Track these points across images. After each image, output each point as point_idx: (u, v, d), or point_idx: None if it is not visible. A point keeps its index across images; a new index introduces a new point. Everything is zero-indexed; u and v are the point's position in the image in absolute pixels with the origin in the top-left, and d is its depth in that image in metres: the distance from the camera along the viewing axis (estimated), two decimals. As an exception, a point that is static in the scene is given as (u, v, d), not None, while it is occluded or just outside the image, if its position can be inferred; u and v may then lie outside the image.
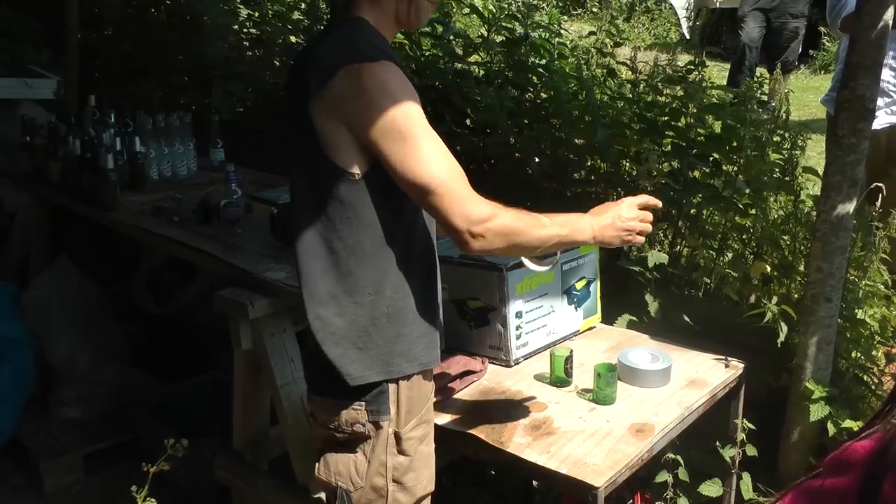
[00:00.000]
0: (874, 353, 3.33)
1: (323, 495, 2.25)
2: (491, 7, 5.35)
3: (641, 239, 2.14)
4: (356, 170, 1.89)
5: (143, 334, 4.53)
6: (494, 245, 1.87)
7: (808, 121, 6.70)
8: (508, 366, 2.86)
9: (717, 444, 2.92)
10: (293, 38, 5.82)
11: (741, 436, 2.92)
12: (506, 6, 5.47)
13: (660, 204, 2.18)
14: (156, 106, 4.99)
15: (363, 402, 2.02)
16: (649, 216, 2.12)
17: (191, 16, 6.35)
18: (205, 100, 5.54)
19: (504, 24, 4.62)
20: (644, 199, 2.15)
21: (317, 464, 2.14)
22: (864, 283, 3.24)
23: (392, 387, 2.04)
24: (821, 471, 1.29)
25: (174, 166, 4.24)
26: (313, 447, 2.21)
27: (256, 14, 6.27)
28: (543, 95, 4.33)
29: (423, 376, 2.10)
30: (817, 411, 2.98)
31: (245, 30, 6.29)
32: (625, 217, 2.08)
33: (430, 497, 2.21)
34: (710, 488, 2.94)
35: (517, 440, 2.42)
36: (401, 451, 2.08)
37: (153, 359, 4.40)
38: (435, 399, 2.60)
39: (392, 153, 1.83)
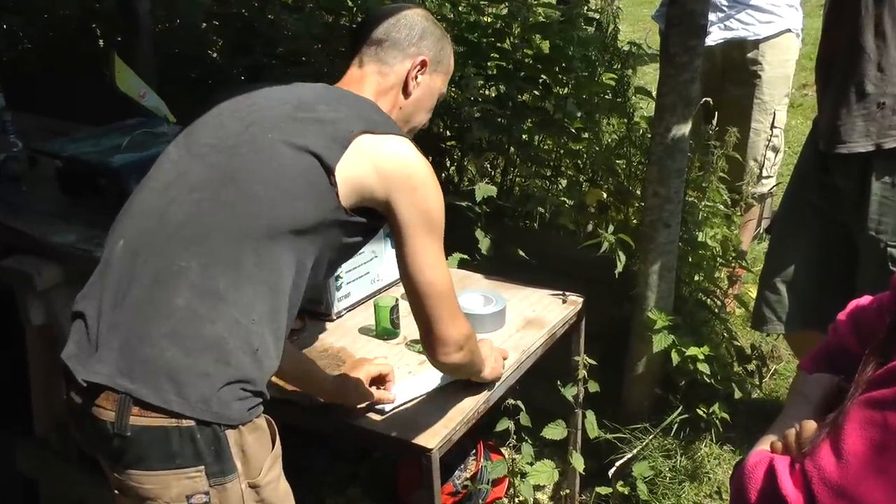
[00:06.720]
0: (717, 274, 3.28)
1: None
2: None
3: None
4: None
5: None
6: (465, 360, 1.92)
7: (645, 37, 6.65)
8: (331, 320, 2.62)
9: (559, 383, 2.78)
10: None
11: (582, 373, 2.78)
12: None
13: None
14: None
15: (201, 466, 1.59)
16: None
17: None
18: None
19: (311, -56, 4.30)
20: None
21: None
22: (703, 204, 3.17)
23: (232, 433, 1.62)
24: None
25: (-60, 116, 3.73)
26: None
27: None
28: (358, 20, 4.05)
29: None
30: (661, 341, 2.92)
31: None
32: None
33: None
34: (554, 431, 2.81)
35: (342, 403, 2.20)
36: (261, 501, 1.70)
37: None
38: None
39: (411, 242, 1.78)
